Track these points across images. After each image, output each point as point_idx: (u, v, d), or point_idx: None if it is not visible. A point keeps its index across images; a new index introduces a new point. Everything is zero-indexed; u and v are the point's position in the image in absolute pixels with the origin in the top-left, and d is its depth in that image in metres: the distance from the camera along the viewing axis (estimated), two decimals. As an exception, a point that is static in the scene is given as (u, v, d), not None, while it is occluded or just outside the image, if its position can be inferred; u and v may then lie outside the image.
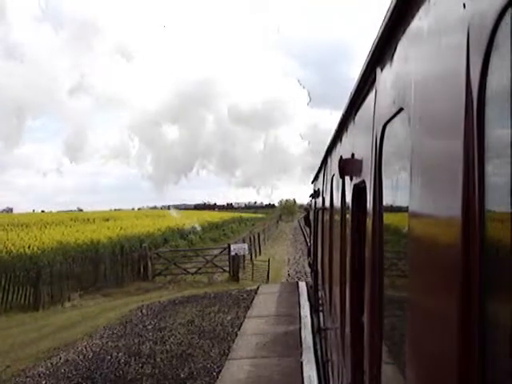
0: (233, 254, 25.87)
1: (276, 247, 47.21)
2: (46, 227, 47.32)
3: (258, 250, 38.94)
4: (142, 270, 26.89)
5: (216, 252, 28.01)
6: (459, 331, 1.18)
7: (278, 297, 17.09)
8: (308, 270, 23.13)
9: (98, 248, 36.49)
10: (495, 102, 1.08)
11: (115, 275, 25.87)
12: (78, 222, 59.91)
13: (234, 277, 25.88)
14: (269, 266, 25.07)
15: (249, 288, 19.14)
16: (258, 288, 19.38)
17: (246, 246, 26.27)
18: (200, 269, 26.89)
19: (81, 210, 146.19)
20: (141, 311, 16.11)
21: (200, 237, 51.66)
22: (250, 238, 36.16)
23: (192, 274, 26.72)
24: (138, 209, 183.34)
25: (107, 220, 66.58)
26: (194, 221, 60.36)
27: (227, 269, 26.30)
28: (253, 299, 16.61)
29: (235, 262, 26.00)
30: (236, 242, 43.83)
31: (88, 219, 64.35)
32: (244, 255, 27.24)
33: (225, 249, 26.87)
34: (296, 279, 29.20)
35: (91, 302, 22.02)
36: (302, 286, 18.79)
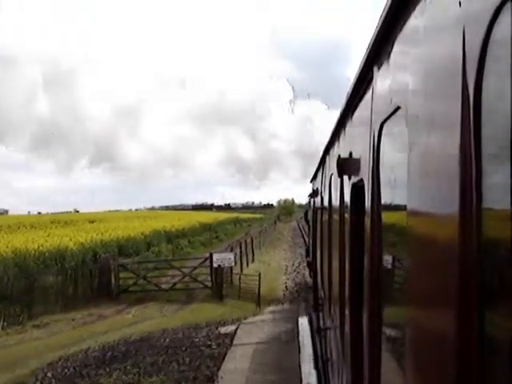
0: (215, 265, 20.40)
1: (272, 252, 41.55)
2: (12, 232, 41.85)
3: (250, 257, 33.44)
4: (106, 285, 21.35)
5: (197, 263, 22.40)
6: (458, 329, 1.19)
7: (265, 353, 10.75)
8: (310, 280, 18.15)
9: (64, 256, 31.03)
10: (492, 101, 1.07)
11: (62, 295, 20.19)
12: (59, 225, 54.58)
13: (217, 294, 20.42)
14: (259, 281, 19.45)
15: (223, 330, 12.97)
16: (236, 330, 13.04)
17: (231, 255, 20.71)
18: (175, 284, 21.36)
19: (77, 212, 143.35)
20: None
21: (189, 240, 46.01)
22: (240, 244, 30.48)
23: (166, 290, 21.21)
24: (136, 210, 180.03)
25: (92, 222, 61.39)
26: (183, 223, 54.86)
27: (210, 283, 20.81)
28: (224, 357, 10.45)
29: (218, 276, 20.50)
30: (226, 248, 38.64)
31: (70, 221, 58.97)
32: (231, 266, 21.65)
33: (206, 259, 21.31)
34: (295, 293, 23.84)
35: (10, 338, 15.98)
36: (304, 326, 12.37)
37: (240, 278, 20.23)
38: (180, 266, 21.83)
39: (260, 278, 19.26)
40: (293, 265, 33.79)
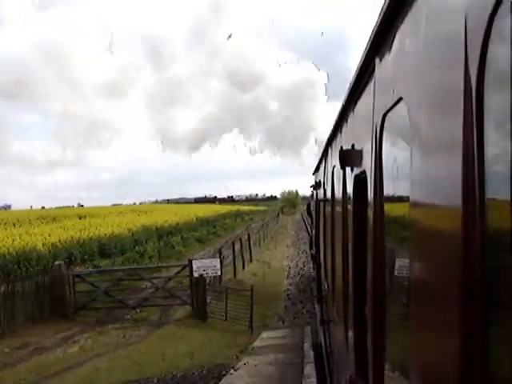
0: (196, 275, 15.59)
1: (274, 249, 36.65)
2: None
3: (249, 256, 28.60)
4: (58, 301, 16.53)
5: (176, 271, 17.42)
6: (462, 322, 1.17)
7: None
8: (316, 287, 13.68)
9: (30, 258, 26.30)
10: (494, 90, 1.06)
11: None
12: (45, 221, 49.88)
13: (199, 312, 15.62)
14: (252, 297, 14.55)
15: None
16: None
17: (217, 262, 15.81)
18: (146, 300, 16.52)
19: (81, 206, 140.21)
20: None
21: (182, 237, 41.16)
22: (233, 243, 25.50)
23: (133, 307, 16.39)
24: (140, 203, 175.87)
25: (82, 218, 56.71)
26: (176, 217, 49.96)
27: (191, 298, 15.98)
28: None
29: (200, 289, 15.68)
30: (223, 246, 33.79)
31: (57, 217, 54.23)
32: (218, 274, 16.73)
33: (184, 267, 16.42)
34: (299, 304, 19.04)
35: None
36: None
37: (227, 293, 15.32)
38: (151, 277, 16.90)
39: (252, 292, 14.35)
40: (296, 265, 28.95)
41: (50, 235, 32.38)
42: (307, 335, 12.83)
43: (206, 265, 15.63)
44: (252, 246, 33.30)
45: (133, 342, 13.31)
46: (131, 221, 43.42)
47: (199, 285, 15.59)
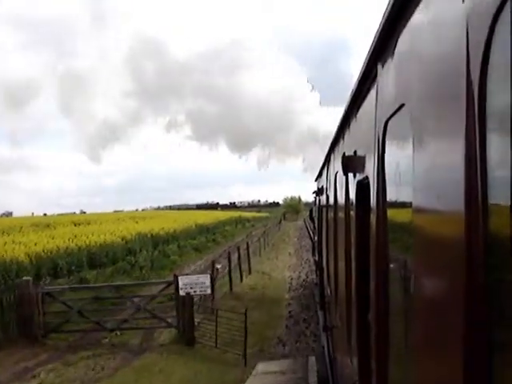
0: (183, 293, 13.35)
1: (275, 259, 34.31)
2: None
3: (248, 266, 26.30)
4: (26, 322, 14.28)
5: (159, 289, 15.06)
6: (465, 325, 1.15)
7: None
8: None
9: (10, 270, 24.05)
10: (496, 96, 1.05)
11: None
12: (38, 229, 47.67)
13: (186, 337, 13.36)
14: (246, 323, 12.25)
15: None
16: None
17: (206, 279, 13.53)
18: (126, 321, 14.25)
19: (84, 213, 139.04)
20: None
21: (179, 245, 38.87)
22: (229, 255, 23.14)
23: (111, 330, 14.12)
24: (142, 210, 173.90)
25: (77, 225, 54.54)
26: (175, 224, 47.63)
27: (177, 320, 13.70)
28: None
29: (187, 310, 13.42)
30: (221, 255, 31.53)
31: (52, 224, 52.04)
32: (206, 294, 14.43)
33: (169, 285, 14.15)
34: (302, 323, 16.78)
35: None
36: None
37: (217, 314, 13.04)
38: (132, 296, 14.58)
39: (246, 317, 12.06)
40: (299, 276, 26.65)
41: (36, 244, 30.22)
42: (312, 369, 10.60)
43: (193, 281, 13.37)
44: (252, 255, 31.04)
45: (102, 377, 11.05)
46: (126, 228, 41.15)
47: (186, 304, 13.33)
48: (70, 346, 13.84)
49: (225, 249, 41.12)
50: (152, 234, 39.90)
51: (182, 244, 39.01)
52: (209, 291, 13.60)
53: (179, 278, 13.47)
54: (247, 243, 28.05)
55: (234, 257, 26.84)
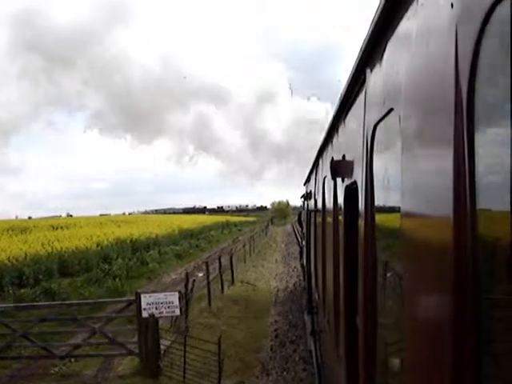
0: (146, 315, 11.04)
1: (261, 266, 31.96)
2: None
3: (230, 277, 23.97)
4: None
5: (121, 308, 12.63)
6: (454, 330, 1.15)
7: None
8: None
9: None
10: (484, 101, 1.05)
11: None
12: (13, 233, 44.91)
13: (149, 366, 11.04)
14: (220, 354, 9.90)
15: None
16: None
17: (175, 297, 11.21)
18: (78, 347, 11.87)
19: (70, 216, 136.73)
20: None
21: (160, 251, 36.42)
22: (207, 264, 20.72)
23: (62, 357, 11.74)
24: (129, 213, 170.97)
25: (57, 229, 51.91)
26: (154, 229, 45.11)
27: (139, 346, 11.35)
28: None
29: (150, 334, 11.09)
30: (204, 262, 29.02)
31: (27, 229, 49.27)
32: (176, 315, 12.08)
33: (129, 304, 11.81)
34: (288, 348, 14.53)
35: None
36: None
37: (186, 340, 10.72)
38: (87, 317, 12.17)
39: (220, 346, 9.76)
40: (286, 287, 24.41)
41: (2, 250, 27.74)
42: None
43: (159, 301, 11.07)
44: (236, 262, 28.77)
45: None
46: (104, 233, 38.63)
47: (150, 328, 11.02)
48: (12, 376, 11.47)
49: (209, 254, 38.84)
50: (131, 240, 37.41)
51: (163, 250, 36.56)
52: (177, 312, 11.29)
53: (142, 296, 11.15)
54: (230, 251, 25.66)
55: (216, 265, 24.66)
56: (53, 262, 27.62)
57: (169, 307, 11.07)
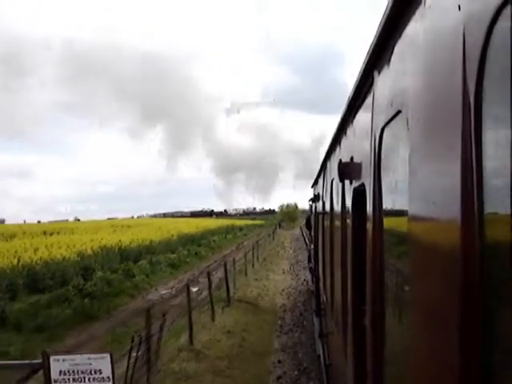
0: (59, 390, 6.55)
1: (265, 278, 27.17)
2: None
3: (225, 296, 19.33)
4: None
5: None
6: (461, 333, 1.14)
7: None
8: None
9: None
10: (492, 103, 1.04)
11: None
12: (3, 238, 40.78)
13: None
14: None
15: None
16: None
17: (105, 361, 6.79)
18: None
19: (78, 220, 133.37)
20: None
21: (151, 261, 31.84)
22: (188, 286, 16.01)
23: None
24: (138, 217, 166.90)
25: (52, 234, 47.72)
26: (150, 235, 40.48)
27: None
28: None
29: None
30: (202, 272, 24.01)
31: (20, 234, 45.10)
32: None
33: (35, 371, 7.28)
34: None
35: None
36: None
37: None
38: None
39: None
40: (295, 306, 19.77)
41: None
42: None
43: (79, 368, 6.49)
44: (236, 274, 24.17)
45: None
46: (91, 240, 34.18)
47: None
48: None
49: (209, 264, 34.31)
50: (120, 248, 32.90)
51: (154, 259, 31.97)
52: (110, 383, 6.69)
53: (52, 359, 6.56)
54: (225, 266, 20.92)
55: (214, 276, 20.14)
56: (19, 275, 23.14)
57: (94, 378, 6.47)
